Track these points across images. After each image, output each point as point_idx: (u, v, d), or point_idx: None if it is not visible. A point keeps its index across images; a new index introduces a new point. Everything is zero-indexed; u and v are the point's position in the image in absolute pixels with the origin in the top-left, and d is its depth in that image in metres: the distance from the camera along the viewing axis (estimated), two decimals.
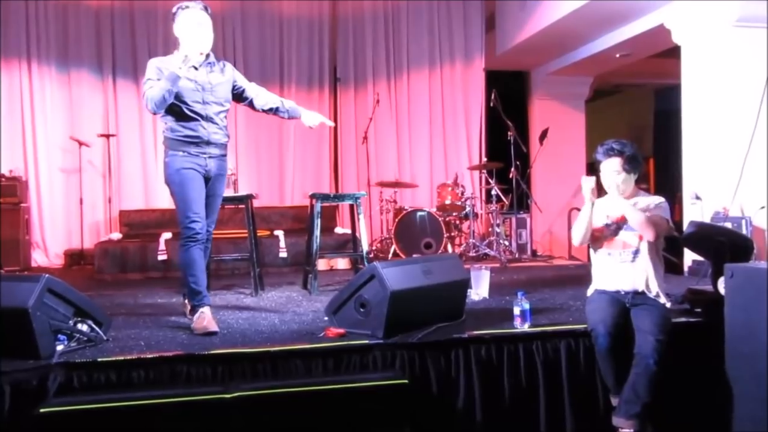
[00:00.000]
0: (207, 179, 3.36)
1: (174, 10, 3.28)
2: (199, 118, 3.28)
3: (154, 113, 3.26)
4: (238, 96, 3.55)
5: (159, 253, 5.59)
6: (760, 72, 4.72)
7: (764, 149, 4.75)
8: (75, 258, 6.56)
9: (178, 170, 3.26)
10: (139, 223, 6.57)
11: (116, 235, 6.29)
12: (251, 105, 3.60)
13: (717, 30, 5.45)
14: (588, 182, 2.97)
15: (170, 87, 3.11)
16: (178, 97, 3.20)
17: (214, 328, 3.06)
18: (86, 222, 6.72)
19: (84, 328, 2.79)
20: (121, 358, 2.62)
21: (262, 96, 3.60)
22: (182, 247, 3.24)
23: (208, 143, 3.32)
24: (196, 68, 3.21)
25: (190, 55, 3.15)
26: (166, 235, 5.76)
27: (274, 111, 3.63)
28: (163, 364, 2.63)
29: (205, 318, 3.12)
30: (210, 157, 3.34)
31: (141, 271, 5.64)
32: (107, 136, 6.80)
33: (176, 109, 3.24)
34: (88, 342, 2.78)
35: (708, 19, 5.53)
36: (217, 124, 3.36)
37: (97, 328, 2.84)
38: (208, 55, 3.32)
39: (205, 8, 3.28)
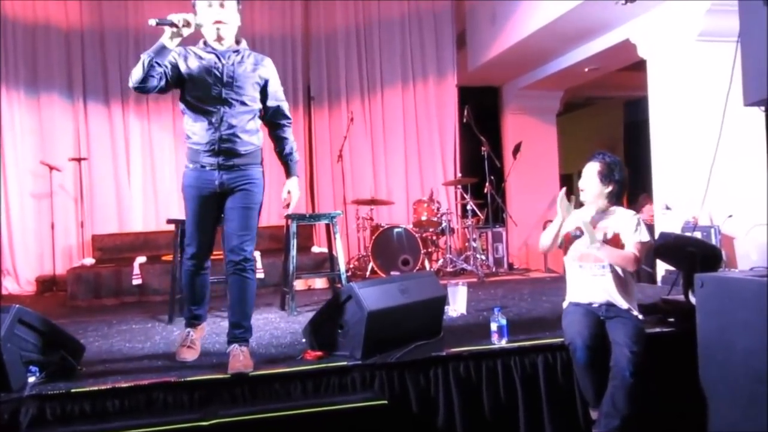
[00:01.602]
0: (224, 194, 2.88)
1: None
2: (211, 119, 2.79)
3: (135, 89, 2.71)
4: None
5: (133, 277, 5.52)
6: (722, 84, 4.86)
7: (732, 158, 4.86)
8: (47, 284, 6.44)
9: (186, 187, 2.91)
10: (113, 248, 6.49)
11: (89, 260, 6.20)
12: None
13: (680, 44, 5.60)
14: (563, 199, 3.02)
15: (152, 53, 2.63)
16: (190, 89, 2.80)
17: (189, 358, 2.99)
18: (58, 247, 6.61)
19: (56, 358, 2.74)
20: (95, 388, 2.58)
21: (276, 133, 3.09)
22: (182, 265, 3.10)
23: (219, 153, 2.81)
24: (218, 57, 2.79)
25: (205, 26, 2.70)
26: (141, 259, 5.70)
27: (276, 151, 3.16)
28: (139, 393, 2.58)
29: (187, 342, 3.06)
30: (224, 170, 2.83)
31: (115, 296, 5.55)
32: (79, 160, 6.72)
33: (190, 106, 2.84)
34: (61, 372, 2.72)
35: (671, 33, 5.69)
36: (235, 126, 2.81)
37: (69, 358, 2.78)
38: (238, 42, 2.87)
39: None
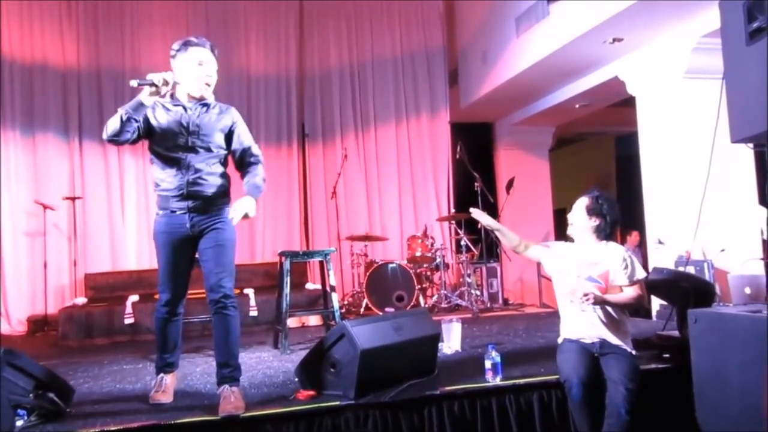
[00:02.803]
0: (197, 236, 2.92)
1: (175, 47, 2.92)
2: (179, 166, 2.88)
3: (109, 141, 2.78)
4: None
5: (126, 316, 5.47)
6: (710, 120, 4.93)
7: (722, 192, 4.90)
8: (39, 324, 6.37)
9: (158, 233, 2.95)
10: (105, 286, 6.44)
11: (81, 300, 6.15)
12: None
13: (668, 81, 5.70)
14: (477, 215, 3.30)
15: (129, 109, 2.70)
16: (158, 139, 2.89)
17: (164, 400, 2.96)
18: (51, 286, 6.56)
19: (45, 401, 2.70)
20: (84, 430, 2.53)
21: (246, 170, 3.08)
22: (155, 311, 3.07)
23: (188, 197, 2.88)
24: (185, 108, 2.90)
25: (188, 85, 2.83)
26: (133, 298, 5.65)
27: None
28: None
29: (162, 387, 3.02)
30: (193, 212, 2.89)
31: (107, 336, 5.49)
32: (73, 199, 6.73)
33: (158, 155, 2.93)
34: (50, 416, 2.68)
35: (659, 71, 5.80)
36: (201, 171, 2.90)
37: (58, 401, 2.74)
38: (201, 97, 2.95)
39: (212, 48, 2.95)
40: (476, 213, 3.35)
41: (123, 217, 7.01)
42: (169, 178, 2.90)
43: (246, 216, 2.85)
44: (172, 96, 2.94)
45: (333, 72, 7.83)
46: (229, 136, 3.03)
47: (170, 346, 3.09)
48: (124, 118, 2.71)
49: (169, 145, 2.90)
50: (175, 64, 2.92)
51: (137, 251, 7.04)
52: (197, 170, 2.90)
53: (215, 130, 2.95)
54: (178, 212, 2.90)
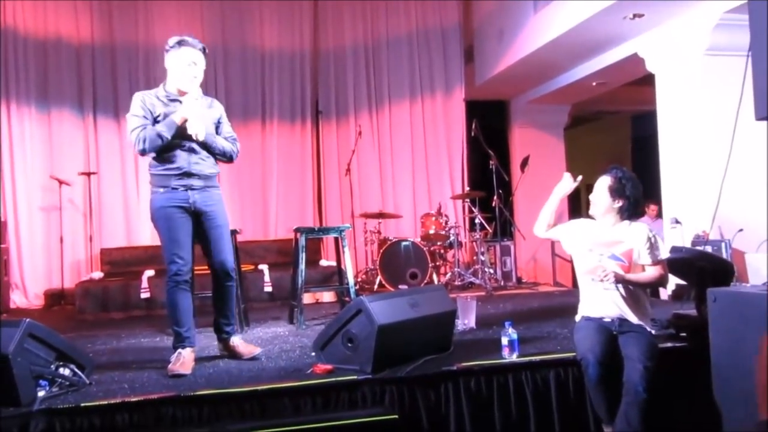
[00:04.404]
0: (196, 214, 3.23)
1: (170, 43, 3.21)
2: (179, 150, 3.17)
3: (142, 155, 3.18)
4: None
5: (141, 291, 5.53)
6: (732, 98, 4.85)
7: (742, 172, 4.83)
8: (55, 298, 6.45)
9: (159, 208, 3.20)
10: (121, 261, 6.49)
11: (98, 274, 6.21)
12: None
13: (688, 58, 5.60)
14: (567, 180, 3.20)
15: (167, 135, 3.09)
16: None
17: (183, 371, 3.01)
18: (67, 261, 6.63)
19: (66, 372, 2.73)
20: (105, 402, 2.56)
21: None
22: (166, 287, 3.20)
23: (190, 175, 3.18)
24: (180, 102, 3.18)
25: (185, 103, 3.15)
26: (149, 273, 5.70)
27: None
28: (148, 407, 2.58)
29: (179, 360, 3.08)
30: (193, 189, 3.20)
31: (123, 310, 5.55)
32: (88, 174, 6.76)
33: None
34: (71, 386, 2.72)
35: (679, 48, 5.69)
36: (198, 153, 3.22)
37: (79, 372, 2.78)
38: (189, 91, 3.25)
39: (203, 49, 3.26)
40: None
41: (138, 193, 7.03)
42: (171, 160, 3.18)
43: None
44: (166, 91, 3.24)
45: (347, 49, 7.76)
46: (217, 126, 3.37)
47: (184, 320, 3.18)
48: (165, 141, 3.10)
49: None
50: (168, 57, 3.22)
51: (152, 226, 7.04)
52: (197, 152, 3.22)
53: (207, 119, 3.27)
54: (180, 189, 3.18)
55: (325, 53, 7.75)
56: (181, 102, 3.18)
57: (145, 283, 5.56)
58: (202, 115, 3.21)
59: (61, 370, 2.72)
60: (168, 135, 3.09)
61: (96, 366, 3.06)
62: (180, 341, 3.16)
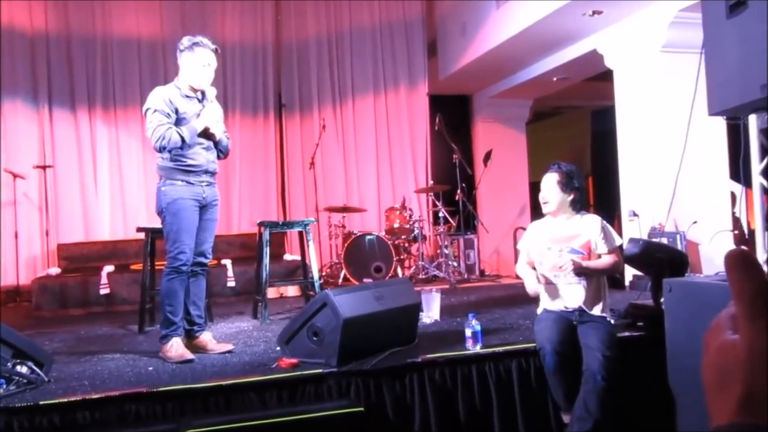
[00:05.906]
0: (202, 207, 3.39)
1: (185, 43, 3.32)
2: (200, 148, 3.34)
3: (160, 152, 3.26)
4: None
5: (101, 287, 5.42)
6: (687, 94, 5.00)
7: (696, 166, 4.99)
8: (11, 295, 6.26)
9: (175, 200, 3.27)
10: (79, 257, 6.34)
11: (55, 270, 6.06)
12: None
13: (645, 55, 5.74)
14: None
15: (188, 141, 3.23)
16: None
17: (190, 356, 3.16)
18: (22, 257, 6.44)
19: (24, 370, 2.68)
20: (65, 399, 2.52)
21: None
22: (166, 276, 3.27)
23: (206, 172, 3.38)
24: (199, 100, 3.37)
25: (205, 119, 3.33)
26: (108, 268, 5.59)
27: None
28: (110, 404, 2.54)
29: (179, 347, 3.20)
30: (207, 185, 3.39)
31: (82, 307, 5.44)
32: (44, 168, 6.57)
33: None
34: (29, 384, 2.66)
35: (636, 44, 5.83)
36: (213, 152, 3.44)
37: (37, 370, 2.73)
38: (201, 89, 3.41)
39: (216, 50, 3.38)
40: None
41: (96, 187, 6.88)
42: (193, 157, 3.32)
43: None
44: (180, 89, 3.34)
45: (310, 41, 7.71)
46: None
47: (179, 309, 3.29)
48: (187, 140, 3.23)
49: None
50: (181, 57, 3.33)
51: (111, 221, 6.93)
52: (212, 150, 3.43)
53: (219, 118, 3.48)
54: (196, 184, 3.33)
55: (288, 46, 7.68)
56: (198, 100, 3.36)
57: (104, 279, 5.45)
58: (219, 118, 3.43)
59: (18, 367, 2.67)
60: (189, 141, 3.24)
61: (55, 363, 2.99)
62: (174, 329, 3.24)
